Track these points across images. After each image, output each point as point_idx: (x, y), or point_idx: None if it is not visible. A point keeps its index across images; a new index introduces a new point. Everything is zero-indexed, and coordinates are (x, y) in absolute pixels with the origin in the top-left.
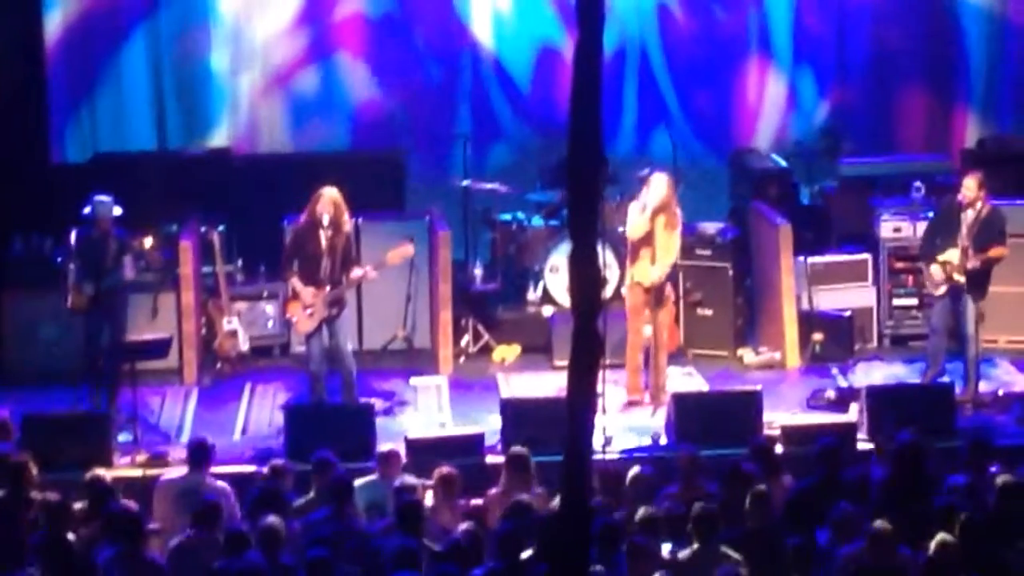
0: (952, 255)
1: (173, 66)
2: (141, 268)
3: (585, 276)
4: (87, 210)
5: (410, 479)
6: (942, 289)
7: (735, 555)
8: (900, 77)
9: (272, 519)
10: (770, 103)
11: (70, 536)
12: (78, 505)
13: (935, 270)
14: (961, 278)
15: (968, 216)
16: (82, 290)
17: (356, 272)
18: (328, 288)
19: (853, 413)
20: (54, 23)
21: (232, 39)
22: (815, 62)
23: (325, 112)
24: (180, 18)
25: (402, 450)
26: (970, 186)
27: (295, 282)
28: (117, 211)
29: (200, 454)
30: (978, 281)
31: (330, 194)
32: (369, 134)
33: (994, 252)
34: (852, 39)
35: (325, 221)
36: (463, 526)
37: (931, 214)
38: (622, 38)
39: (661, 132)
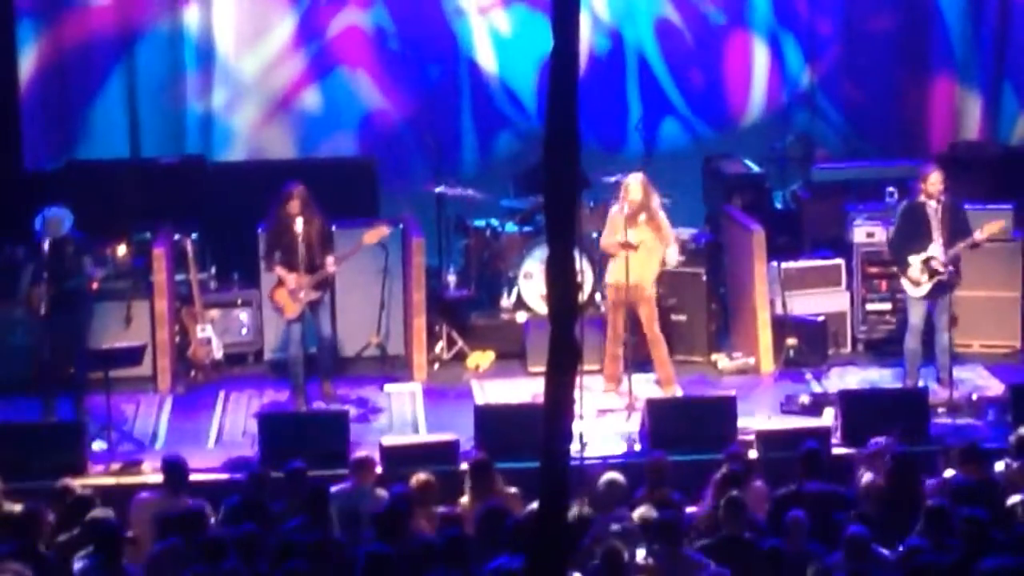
0: (934, 250)
1: (153, 111)
2: (108, 272)
3: (562, 282)
4: (37, 224)
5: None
6: (926, 288)
7: (702, 560)
8: (875, 48)
9: (250, 527)
10: (758, 74)
11: (42, 546)
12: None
13: (916, 268)
14: (946, 271)
15: (932, 209)
16: (39, 295)
17: (329, 259)
18: (310, 273)
19: (827, 418)
20: (28, 62)
21: (223, 79)
22: (795, 29)
23: (328, 129)
24: (158, 64)
25: (377, 457)
26: (939, 179)
27: (279, 270)
28: (69, 220)
29: (176, 474)
30: (957, 272)
31: (298, 192)
32: (374, 146)
33: (989, 227)
34: (823, 6)
35: (295, 214)
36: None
37: (893, 220)
38: (617, 37)
39: (668, 124)
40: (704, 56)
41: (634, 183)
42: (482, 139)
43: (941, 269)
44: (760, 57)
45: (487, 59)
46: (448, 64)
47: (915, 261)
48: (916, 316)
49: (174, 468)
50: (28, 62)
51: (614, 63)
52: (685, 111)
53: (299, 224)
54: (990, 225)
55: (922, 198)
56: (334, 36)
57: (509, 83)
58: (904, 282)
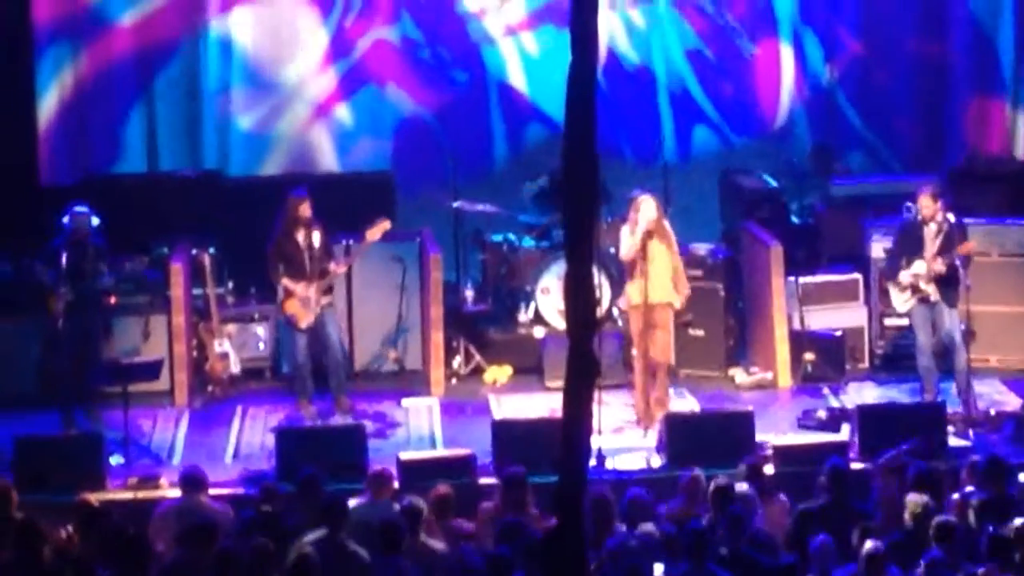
0: (919, 267)
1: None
2: (117, 280)
3: (580, 297)
4: (65, 219)
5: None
6: (909, 303)
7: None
8: (896, 58)
9: (263, 540)
10: (786, 76)
11: (47, 554)
12: (69, 528)
13: (901, 279)
14: (928, 287)
15: (931, 230)
16: (59, 295)
17: (332, 265)
18: (316, 280)
19: (845, 433)
20: (51, 81)
21: (246, 94)
22: (816, 28)
23: (352, 143)
24: (180, 82)
25: (394, 471)
26: (927, 204)
27: (286, 281)
28: (95, 221)
29: (194, 480)
30: (947, 285)
31: (302, 198)
32: (398, 160)
33: (961, 248)
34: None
35: (304, 220)
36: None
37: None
38: (646, 51)
39: (700, 133)
40: (732, 66)
41: (648, 203)
42: (511, 149)
43: (922, 285)
44: (787, 59)
45: (516, 78)
46: (476, 79)
47: (901, 277)
48: (920, 334)
49: (192, 474)
50: (51, 81)
51: (645, 75)
52: (717, 119)
53: (302, 233)
54: (961, 247)
55: (919, 218)
56: (362, 51)
57: (538, 102)
58: (892, 297)
